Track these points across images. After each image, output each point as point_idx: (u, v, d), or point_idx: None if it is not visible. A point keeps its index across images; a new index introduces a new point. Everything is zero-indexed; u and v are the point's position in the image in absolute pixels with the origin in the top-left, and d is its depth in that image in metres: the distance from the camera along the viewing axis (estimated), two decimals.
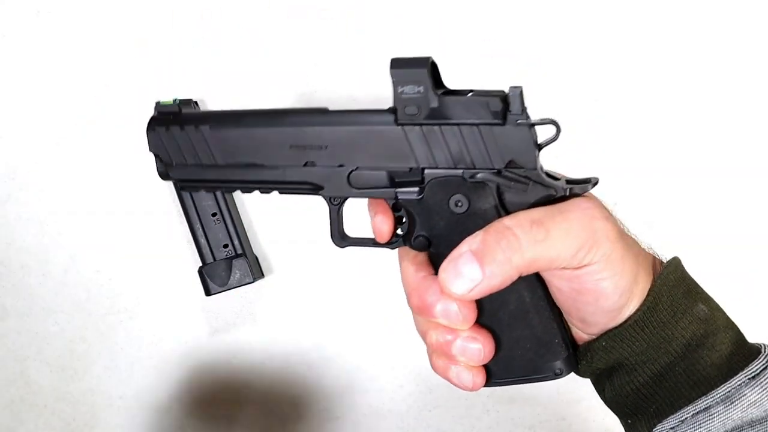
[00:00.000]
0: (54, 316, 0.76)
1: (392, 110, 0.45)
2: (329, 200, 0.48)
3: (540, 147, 0.43)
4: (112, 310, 0.76)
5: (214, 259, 0.73)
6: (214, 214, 0.73)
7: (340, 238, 0.49)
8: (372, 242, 0.49)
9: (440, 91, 0.44)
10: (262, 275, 0.75)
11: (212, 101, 0.73)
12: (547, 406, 0.75)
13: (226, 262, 0.73)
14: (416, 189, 0.45)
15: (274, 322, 0.76)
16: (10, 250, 0.76)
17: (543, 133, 0.43)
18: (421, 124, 0.44)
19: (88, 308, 0.76)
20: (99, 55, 0.73)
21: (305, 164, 0.47)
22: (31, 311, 0.76)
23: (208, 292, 0.74)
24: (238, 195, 0.76)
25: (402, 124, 0.44)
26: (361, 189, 0.47)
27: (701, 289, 0.45)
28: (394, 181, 0.46)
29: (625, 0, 0.70)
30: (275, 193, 0.49)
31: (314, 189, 0.47)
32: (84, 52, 0.73)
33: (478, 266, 0.40)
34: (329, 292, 0.75)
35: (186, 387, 0.77)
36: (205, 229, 0.73)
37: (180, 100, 0.72)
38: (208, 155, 0.48)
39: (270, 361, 0.76)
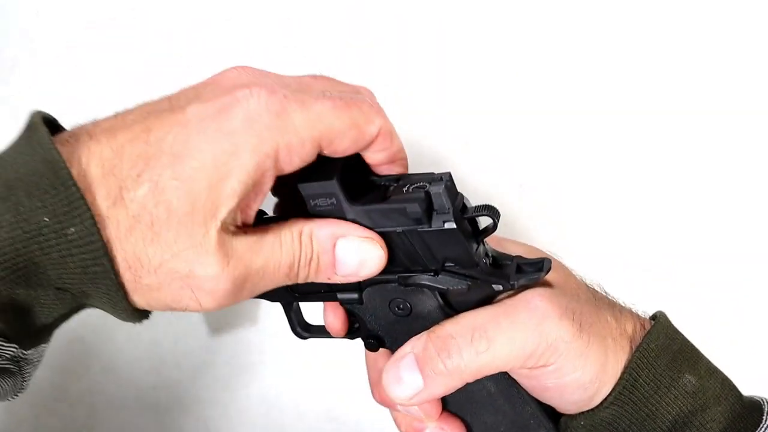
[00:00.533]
0: None
1: None
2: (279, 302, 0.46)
3: (480, 238, 0.40)
4: None
5: None
6: None
7: (301, 330, 0.48)
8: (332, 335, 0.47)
9: (373, 177, 0.40)
10: None
11: None
12: None
13: None
14: (355, 294, 0.43)
15: (274, 322, 0.76)
16: None
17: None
18: None
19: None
20: (98, 55, 0.73)
21: None
22: None
23: None
24: None
25: None
26: (303, 294, 0.45)
27: (691, 351, 0.41)
28: (331, 286, 0.42)
29: (624, 4, 0.70)
30: None
31: (263, 296, 0.45)
32: (83, 52, 0.73)
33: (419, 375, 0.38)
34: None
35: (186, 387, 0.77)
36: None
37: None
38: None
39: (270, 361, 0.76)
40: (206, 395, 0.77)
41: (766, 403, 0.41)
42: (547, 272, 0.39)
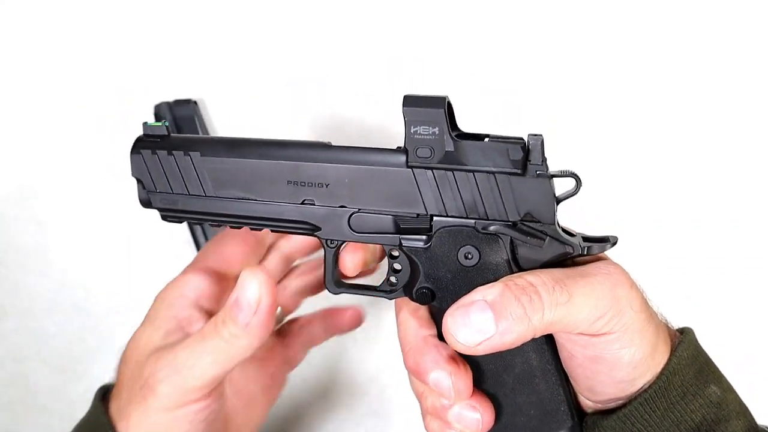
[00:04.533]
0: (53, 316, 0.76)
1: (403, 150, 0.42)
2: (326, 243, 0.45)
3: (558, 201, 0.41)
4: (111, 310, 0.76)
5: None
6: None
7: (334, 284, 0.47)
8: (369, 290, 0.46)
9: (455, 134, 0.41)
10: None
11: (212, 101, 0.73)
12: None
13: None
14: (423, 237, 0.42)
15: None
16: (9, 250, 0.75)
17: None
18: (433, 168, 0.41)
19: (87, 308, 0.76)
20: (98, 55, 0.73)
21: (303, 202, 0.44)
22: (30, 311, 0.76)
23: None
24: None
25: (412, 167, 0.41)
26: (361, 233, 0.44)
27: (714, 366, 0.42)
28: (399, 227, 0.43)
29: (621, 13, 0.70)
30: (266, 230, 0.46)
31: (310, 229, 0.45)
32: (84, 52, 0.73)
33: (493, 318, 0.37)
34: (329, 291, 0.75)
35: None
36: (204, 229, 0.73)
37: (179, 99, 0.72)
38: (196, 185, 0.45)
39: None
40: None
41: None
42: (613, 245, 0.41)
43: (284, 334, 0.58)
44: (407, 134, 0.41)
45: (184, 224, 0.74)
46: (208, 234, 0.73)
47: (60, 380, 0.77)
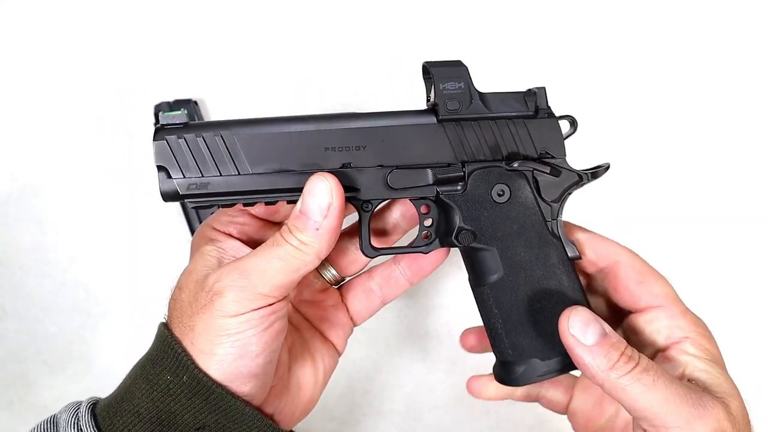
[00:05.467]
0: (53, 316, 0.76)
1: (431, 109, 0.47)
2: (361, 207, 0.47)
3: (564, 137, 0.48)
4: (111, 310, 0.76)
5: None
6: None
7: (371, 248, 0.48)
8: (405, 249, 0.49)
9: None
10: None
11: (212, 101, 0.73)
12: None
13: None
14: (459, 183, 0.47)
15: None
16: (10, 250, 0.75)
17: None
18: (462, 119, 0.46)
19: (87, 308, 0.76)
20: (99, 56, 0.73)
21: (342, 166, 0.45)
22: (30, 312, 0.76)
23: None
24: None
25: (443, 120, 0.46)
26: (399, 189, 0.46)
27: None
28: (436, 178, 0.47)
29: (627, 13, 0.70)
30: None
31: (349, 192, 0.46)
32: (84, 52, 0.73)
33: (596, 341, 0.41)
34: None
35: None
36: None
37: (179, 99, 0.72)
38: (229, 164, 0.44)
39: None
40: None
41: None
42: (606, 170, 0.48)
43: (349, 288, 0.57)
44: (437, 91, 0.46)
45: (184, 224, 0.74)
46: None
47: (60, 380, 0.77)
